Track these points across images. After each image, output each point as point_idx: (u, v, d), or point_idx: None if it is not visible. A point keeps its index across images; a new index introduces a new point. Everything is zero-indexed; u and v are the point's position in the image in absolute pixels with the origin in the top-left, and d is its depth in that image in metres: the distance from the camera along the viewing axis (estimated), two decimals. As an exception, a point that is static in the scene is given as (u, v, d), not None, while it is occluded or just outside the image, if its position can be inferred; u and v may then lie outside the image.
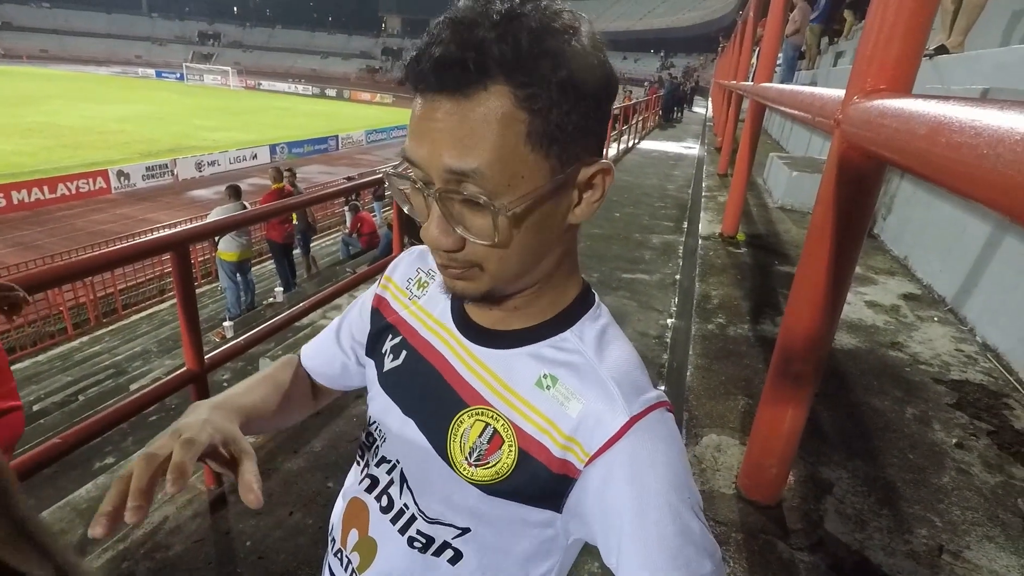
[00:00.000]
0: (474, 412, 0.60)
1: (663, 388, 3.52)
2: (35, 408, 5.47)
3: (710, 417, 2.01)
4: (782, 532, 1.51)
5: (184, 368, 2.22)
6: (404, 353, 0.68)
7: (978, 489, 1.67)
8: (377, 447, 0.69)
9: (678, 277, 4.98)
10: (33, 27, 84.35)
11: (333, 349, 0.80)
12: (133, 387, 5.18)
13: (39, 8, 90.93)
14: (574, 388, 0.57)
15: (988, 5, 4.06)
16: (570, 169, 0.51)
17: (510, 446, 0.57)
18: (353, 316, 0.79)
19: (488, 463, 0.58)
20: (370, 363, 0.74)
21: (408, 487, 0.64)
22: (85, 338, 8.33)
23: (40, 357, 7.73)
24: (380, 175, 4.75)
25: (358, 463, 0.73)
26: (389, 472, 0.67)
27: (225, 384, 4.41)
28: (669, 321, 4.51)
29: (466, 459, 0.59)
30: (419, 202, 0.52)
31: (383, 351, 0.71)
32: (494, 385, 0.60)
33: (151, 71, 63.38)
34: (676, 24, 61.81)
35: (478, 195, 0.47)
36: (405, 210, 0.56)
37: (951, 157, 0.73)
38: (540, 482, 0.56)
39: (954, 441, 1.89)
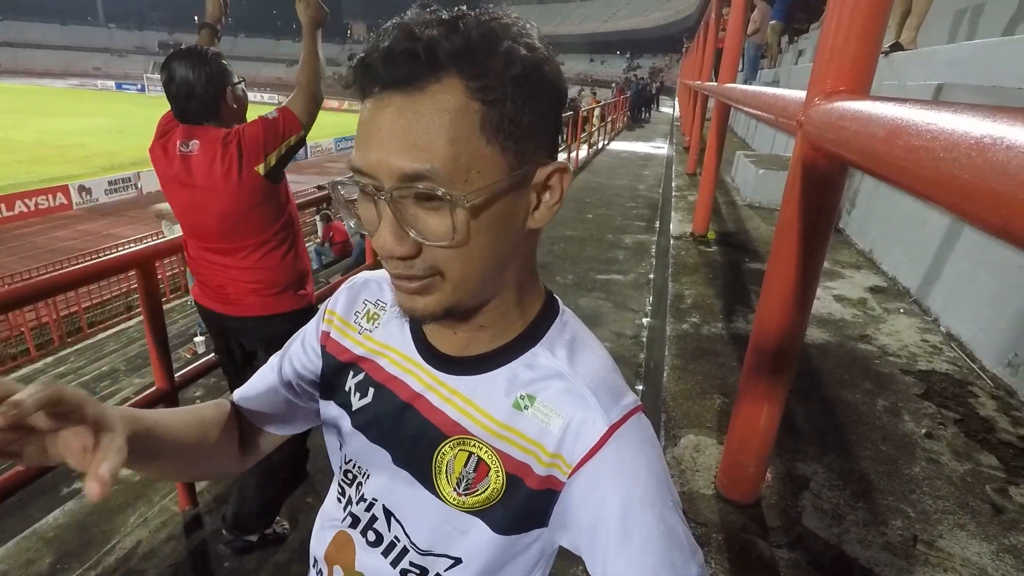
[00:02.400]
0: (456, 443, 0.59)
1: (641, 388, 3.54)
2: (-4, 435, 5.25)
3: (687, 418, 2.02)
4: (762, 530, 1.53)
5: (153, 387, 2.17)
6: (371, 390, 0.65)
7: (948, 478, 1.71)
8: (360, 484, 0.66)
9: (652, 276, 5.03)
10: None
11: (275, 387, 0.74)
12: (100, 410, 5.01)
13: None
14: (553, 405, 0.56)
15: (935, 2, 4.20)
16: (527, 167, 0.50)
17: (496, 472, 0.57)
18: (295, 352, 0.74)
19: (477, 491, 0.57)
20: (329, 404, 0.70)
21: (397, 520, 0.63)
22: (49, 359, 8.05)
23: (1, 381, 7.44)
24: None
25: (339, 500, 0.70)
26: (369, 509, 0.65)
27: (197, 401, 4.30)
28: (645, 320, 4.55)
29: (454, 489, 0.58)
30: (368, 212, 0.51)
31: (346, 389, 0.68)
32: (471, 413, 0.59)
33: (111, 83, 61.92)
34: (641, 25, 62.67)
35: (434, 188, 0.46)
36: (352, 224, 0.54)
37: (910, 160, 0.74)
38: (528, 502, 0.56)
39: (923, 431, 1.93)
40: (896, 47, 4.38)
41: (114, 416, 0.45)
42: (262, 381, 0.75)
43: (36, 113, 36.53)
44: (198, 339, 6.48)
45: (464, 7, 0.50)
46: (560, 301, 0.64)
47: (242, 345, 2.14)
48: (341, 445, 0.69)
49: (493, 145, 0.47)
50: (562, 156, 3.95)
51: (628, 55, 63.53)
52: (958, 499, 1.62)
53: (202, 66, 1.84)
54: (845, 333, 2.69)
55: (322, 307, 0.74)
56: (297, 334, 0.75)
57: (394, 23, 0.47)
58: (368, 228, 0.51)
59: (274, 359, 0.76)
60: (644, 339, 4.23)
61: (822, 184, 1.36)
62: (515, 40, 0.48)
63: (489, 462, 0.57)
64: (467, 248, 0.49)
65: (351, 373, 0.68)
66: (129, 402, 2.05)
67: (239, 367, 2.18)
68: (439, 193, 0.46)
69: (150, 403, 2.11)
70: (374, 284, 0.72)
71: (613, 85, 28.06)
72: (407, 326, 0.65)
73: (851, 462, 1.78)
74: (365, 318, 0.69)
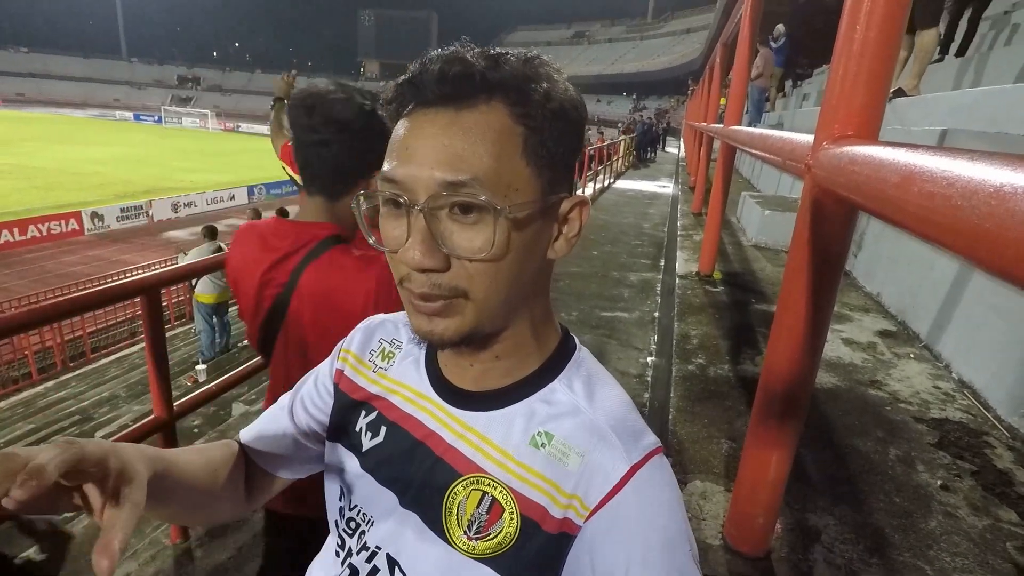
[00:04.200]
0: (469, 481, 0.56)
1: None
2: (-9, 460, 5.19)
3: (694, 462, 1.97)
4: (772, 585, 1.46)
5: (152, 416, 2.13)
6: (383, 429, 0.63)
7: (966, 533, 1.64)
8: (363, 532, 0.62)
9: (657, 315, 5.00)
10: (10, 71, 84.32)
11: (285, 426, 0.71)
12: (99, 435, 4.96)
13: (17, 53, 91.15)
14: (571, 442, 0.54)
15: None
16: (555, 196, 0.52)
17: (511, 514, 0.53)
18: (307, 391, 0.72)
19: (489, 534, 0.54)
20: (335, 446, 0.67)
21: (401, 569, 0.59)
22: (50, 383, 8.01)
23: (1, 404, 7.39)
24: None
25: (337, 553, 0.65)
26: (371, 559, 0.61)
27: (196, 431, 4.24)
28: (649, 359, 4.49)
29: (465, 533, 0.55)
30: (394, 227, 0.49)
31: (356, 430, 0.65)
32: (486, 450, 0.56)
33: (129, 114, 63.39)
34: (647, 68, 64.18)
35: (477, 195, 0.46)
36: (370, 242, 0.52)
37: (925, 206, 0.73)
38: (542, 549, 0.52)
39: (939, 483, 1.87)
40: (899, 93, 4.44)
41: (137, 462, 0.45)
42: (271, 421, 0.73)
43: (56, 141, 37.36)
44: (200, 367, 6.45)
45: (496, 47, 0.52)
46: (576, 339, 0.63)
47: None
48: (343, 492, 0.66)
49: (531, 168, 0.49)
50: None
51: (634, 96, 64.88)
52: (977, 557, 1.55)
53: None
54: (855, 378, 2.64)
55: (337, 346, 0.72)
56: (309, 373, 0.74)
57: (441, 52, 0.49)
58: (390, 245, 0.50)
59: (284, 399, 0.73)
60: (649, 378, 4.17)
61: (831, 227, 1.35)
62: (551, 80, 0.50)
63: (504, 503, 0.54)
64: (497, 266, 0.48)
65: (363, 412, 0.65)
66: (126, 430, 2.01)
67: None
68: (481, 200, 0.46)
69: (148, 432, 2.07)
70: (390, 324, 0.70)
71: (619, 125, 28.56)
72: (423, 364, 0.63)
73: (864, 514, 1.71)
74: (380, 357, 0.68)
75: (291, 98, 1.22)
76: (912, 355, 2.93)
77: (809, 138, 1.38)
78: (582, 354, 0.61)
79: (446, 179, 0.46)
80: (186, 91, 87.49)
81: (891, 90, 4.28)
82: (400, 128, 0.50)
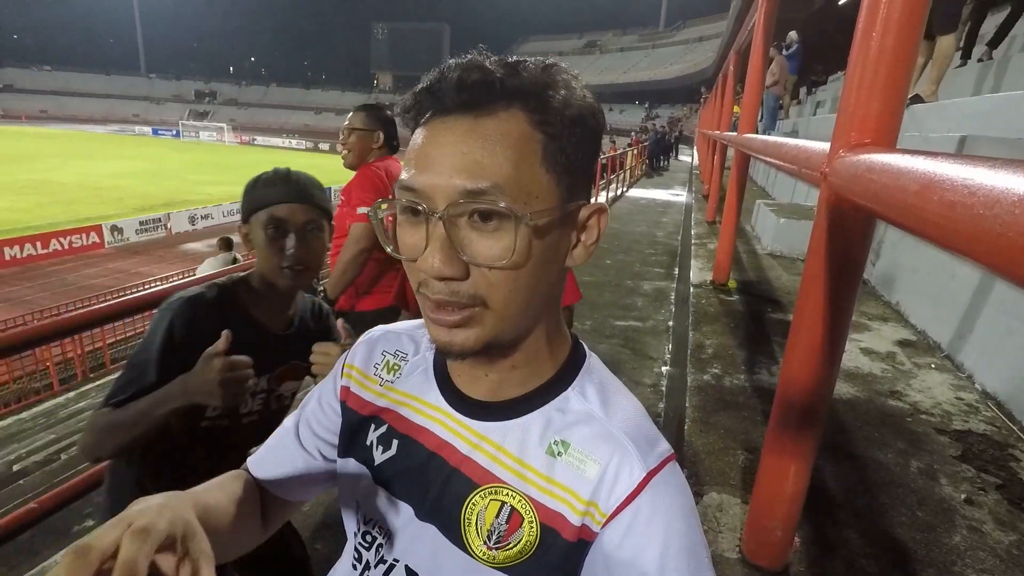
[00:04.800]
0: (487, 492, 0.55)
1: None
2: (15, 468, 5.28)
3: (710, 474, 1.94)
4: (792, 601, 1.43)
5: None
6: (395, 442, 0.62)
7: (992, 549, 1.60)
8: (380, 545, 0.62)
9: (671, 324, 4.96)
10: (33, 89, 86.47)
11: (293, 450, 0.70)
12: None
13: (40, 71, 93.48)
14: (588, 450, 0.54)
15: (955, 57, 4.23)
16: (574, 203, 0.51)
17: (530, 522, 0.53)
18: (312, 410, 0.70)
19: (509, 544, 0.54)
20: (347, 461, 0.66)
21: None
22: (71, 394, 8.13)
23: (24, 414, 7.51)
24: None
25: (354, 567, 0.65)
26: (389, 571, 0.61)
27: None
28: (664, 369, 4.45)
29: (484, 543, 0.54)
30: (412, 236, 0.49)
31: (367, 444, 0.64)
32: (503, 460, 0.56)
33: (148, 129, 64.60)
34: (659, 76, 64.17)
35: (498, 201, 0.45)
36: (388, 250, 0.52)
37: (946, 215, 0.71)
38: (563, 557, 0.52)
39: (963, 496, 1.82)
40: (916, 99, 4.40)
41: (190, 514, 0.44)
42: (278, 446, 0.71)
43: (77, 157, 38.10)
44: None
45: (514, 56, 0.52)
46: (584, 345, 0.63)
47: None
48: (359, 506, 0.65)
49: (550, 175, 0.48)
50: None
51: (647, 105, 64.82)
52: (1004, 574, 1.51)
53: None
54: (874, 388, 2.59)
55: (339, 363, 0.71)
56: (311, 393, 0.72)
57: (459, 60, 0.49)
58: (408, 253, 0.50)
59: (288, 421, 0.72)
60: (663, 388, 4.13)
61: (849, 236, 1.33)
62: (569, 87, 0.50)
63: (523, 512, 0.54)
64: (517, 274, 0.48)
65: (372, 426, 0.65)
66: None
67: None
68: (502, 207, 0.45)
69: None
70: (392, 335, 0.69)
71: (632, 134, 28.55)
72: (432, 375, 0.63)
73: (886, 528, 1.68)
74: (385, 369, 0.67)
75: None
76: (933, 365, 2.87)
77: (825, 146, 1.37)
78: (592, 361, 0.61)
79: (466, 187, 0.46)
80: (203, 105, 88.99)
81: (908, 96, 4.24)
82: (418, 136, 0.49)
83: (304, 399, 0.73)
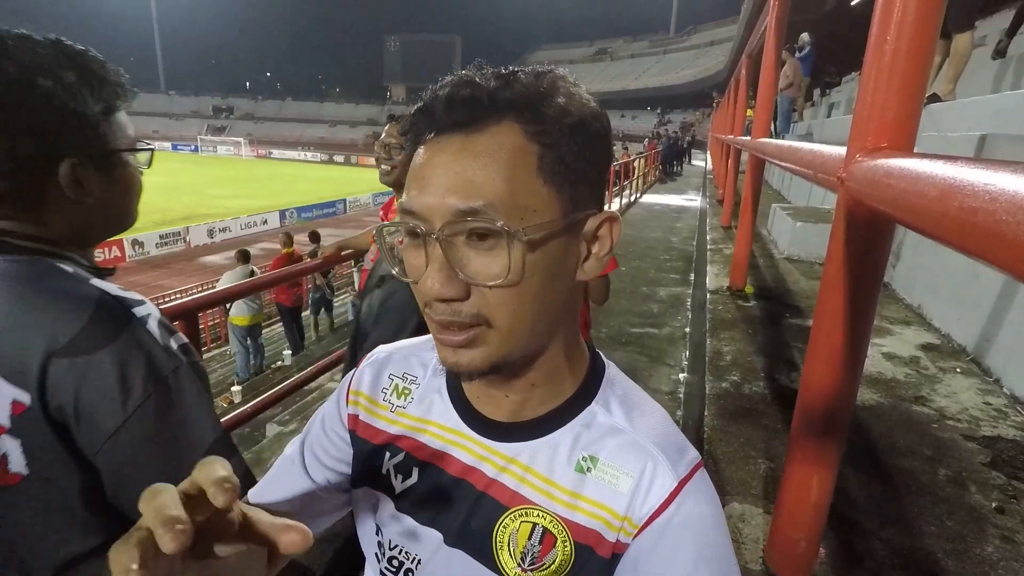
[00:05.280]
0: (518, 514, 0.55)
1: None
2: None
3: (731, 483, 1.91)
4: (818, 614, 1.40)
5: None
6: (415, 470, 0.61)
7: (1026, 558, 1.56)
8: (410, 571, 0.60)
9: (688, 330, 4.92)
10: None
11: (298, 481, 0.66)
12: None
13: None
14: (618, 463, 0.53)
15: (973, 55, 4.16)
16: (579, 213, 0.50)
17: (564, 542, 0.53)
18: (317, 440, 0.67)
19: (543, 564, 0.53)
20: (364, 490, 0.64)
21: None
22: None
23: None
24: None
25: None
26: None
27: (230, 454, 4.31)
28: (681, 376, 4.41)
29: (519, 565, 0.54)
30: (415, 257, 0.49)
31: (384, 472, 0.62)
32: (532, 481, 0.55)
33: (167, 144, 65.78)
34: (671, 82, 64.00)
35: (492, 220, 0.45)
36: (394, 272, 0.52)
37: (967, 221, 0.70)
38: (597, 571, 0.52)
39: (994, 505, 1.78)
40: (933, 98, 4.33)
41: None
42: (284, 478, 0.67)
43: (98, 173, 38.97)
44: (235, 388, 6.58)
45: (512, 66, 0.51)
46: (602, 355, 0.62)
47: None
48: (378, 530, 0.63)
49: (549, 186, 0.47)
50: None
51: (659, 110, 64.63)
52: (1040, 584, 1.47)
53: None
54: (898, 394, 2.54)
55: (342, 386, 0.68)
56: (313, 419, 0.69)
57: (452, 77, 0.49)
58: (412, 275, 0.49)
59: (289, 449, 0.69)
60: (681, 395, 4.09)
61: (868, 241, 1.31)
62: (568, 94, 0.49)
63: (555, 532, 0.53)
64: (518, 291, 0.47)
65: (388, 455, 0.63)
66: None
67: None
68: (496, 226, 0.45)
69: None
70: (398, 356, 0.67)
71: (645, 140, 28.49)
72: (447, 398, 0.61)
73: (914, 538, 1.64)
74: (394, 394, 0.64)
75: None
76: (959, 369, 2.81)
77: (841, 150, 1.35)
78: (612, 372, 0.61)
79: (459, 207, 0.45)
80: (221, 120, 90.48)
81: (925, 95, 4.19)
82: (417, 158, 0.49)
83: (307, 426, 0.69)
